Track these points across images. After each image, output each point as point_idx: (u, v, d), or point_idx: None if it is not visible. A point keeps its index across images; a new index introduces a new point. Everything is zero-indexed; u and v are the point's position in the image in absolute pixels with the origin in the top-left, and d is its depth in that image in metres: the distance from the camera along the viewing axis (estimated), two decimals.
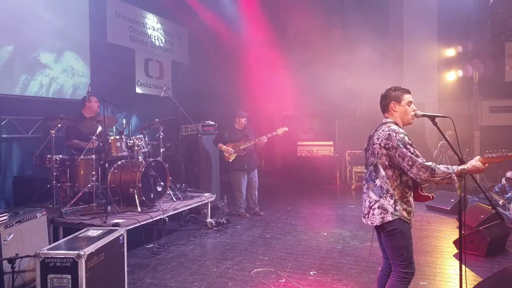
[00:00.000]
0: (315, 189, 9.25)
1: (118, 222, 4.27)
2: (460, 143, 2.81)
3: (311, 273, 4.18)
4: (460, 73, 10.16)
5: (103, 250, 3.11)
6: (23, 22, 5.86)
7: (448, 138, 2.96)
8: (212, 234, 5.67)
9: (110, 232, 3.37)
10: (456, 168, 2.56)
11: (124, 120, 7.16)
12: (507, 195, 6.80)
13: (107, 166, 5.07)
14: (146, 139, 5.68)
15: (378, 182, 2.71)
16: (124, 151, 5.21)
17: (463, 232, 2.80)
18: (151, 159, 5.39)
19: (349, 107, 10.27)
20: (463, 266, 2.74)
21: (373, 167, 2.76)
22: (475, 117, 10.06)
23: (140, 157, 5.38)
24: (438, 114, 2.83)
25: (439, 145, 8.67)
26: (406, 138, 2.64)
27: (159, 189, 5.37)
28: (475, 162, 2.58)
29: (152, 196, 5.16)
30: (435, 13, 10.40)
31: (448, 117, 2.84)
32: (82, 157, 4.92)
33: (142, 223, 4.49)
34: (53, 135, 4.79)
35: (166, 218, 5.77)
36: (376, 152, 2.73)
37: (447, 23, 10.19)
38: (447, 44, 10.27)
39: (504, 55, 9.94)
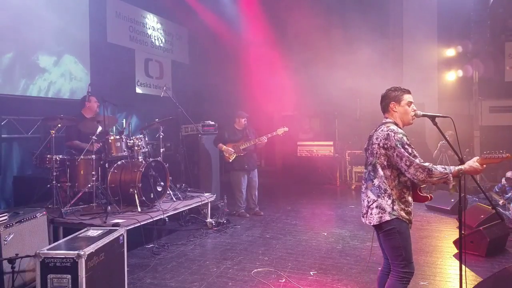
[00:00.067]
0: (315, 189, 9.25)
1: (118, 222, 4.27)
2: (460, 143, 2.81)
3: (311, 273, 4.18)
4: (460, 73, 10.16)
5: (103, 250, 3.11)
6: (23, 22, 5.86)
7: (448, 138, 2.96)
8: (212, 234, 5.67)
9: (110, 232, 3.37)
10: (454, 168, 2.57)
11: (124, 120, 7.18)
12: (507, 195, 6.80)
13: (107, 166, 5.07)
14: (146, 139, 5.69)
15: (376, 181, 2.72)
16: (124, 151, 5.21)
17: (463, 232, 2.81)
18: (151, 159, 5.39)
19: (349, 107, 10.27)
20: (463, 266, 2.74)
21: (371, 167, 2.77)
22: (475, 117, 10.06)
23: (140, 157, 5.38)
24: (438, 114, 2.83)
25: (439, 145, 8.67)
26: (404, 138, 2.64)
27: (159, 189, 5.37)
28: (472, 162, 2.59)
29: (152, 196, 5.16)
30: (435, 13, 10.40)
31: (448, 117, 2.85)
32: (82, 157, 4.92)
33: (142, 223, 4.49)
34: (53, 135, 4.79)
35: (166, 218, 5.77)
36: (375, 152, 2.74)
37: (447, 23, 10.19)
38: (447, 44, 10.27)
39: (504, 55, 9.94)
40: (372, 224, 2.74)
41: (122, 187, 5.05)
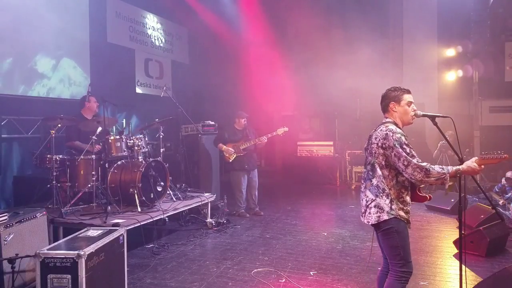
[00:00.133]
0: (315, 189, 9.25)
1: (118, 222, 4.27)
2: (460, 143, 2.82)
3: (311, 273, 4.18)
4: (460, 73, 10.16)
5: (103, 250, 3.11)
6: (23, 22, 5.85)
7: (448, 138, 2.97)
8: (212, 234, 5.67)
9: (110, 232, 3.37)
10: (451, 168, 2.57)
11: (124, 120, 7.18)
12: (507, 195, 6.80)
13: (107, 166, 5.07)
14: (146, 139, 5.68)
15: (374, 181, 2.73)
16: (124, 151, 5.20)
17: (463, 232, 2.81)
18: (151, 159, 5.39)
19: (349, 107, 10.27)
20: (463, 266, 2.75)
21: (370, 166, 2.78)
22: (475, 117, 10.06)
23: (140, 157, 5.38)
24: (438, 114, 2.84)
25: (439, 145, 8.67)
26: (403, 138, 2.65)
27: (159, 189, 5.37)
28: (470, 163, 2.60)
29: (152, 196, 5.16)
30: (435, 13, 10.40)
31: (448, 117, 2.85)
32: (82, 157, 4.92)
33: (142, 223, 4.49)
34: (53, 135, 4.79)
35: (166, 218, 5.77)
36: (373, 152, 2.75)
37: (447, 23, 10.19)
38: (447, 44, 10.27)
39: (504, 55, 9.94)
40: (370, 223, 2.75)
41: (122, 187, 5.05)
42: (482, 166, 2.61)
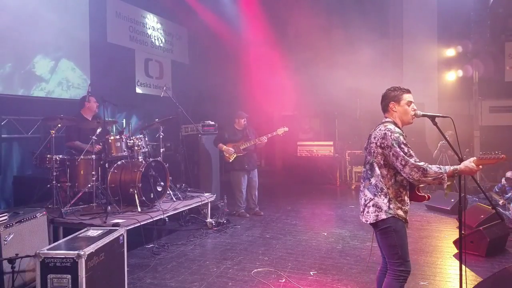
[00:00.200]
0: (315, 189, 9.24)
1: (118, 222, 4.27)
2: (460, 143, 2.82)
3: (311, 273, 4.18)
4: (460, 73, 10.16)
5: (103, 250, 3.11)
6: (23, 22, 5.85)
7: (448, 138, 2.97)
8: (212, 234, 5.67)
9: (110, 232, 3.37)
10: (449, 168, 2.57)
11: (124, 120, 7.18)
12: (507, 195, 6.80)
13: (107, 166, 5.07)
14: (146, 139, 5.68)
15: (373, 180, 2.75)
16: (124, 151, 5.20)
17: (463, 232, 2.81)
18: (151, 159, 5.39)
19: (349, 107, 10.27)
20: (463, 266, 2.75)
21: (369, 166, 2.80)
22: (475, 117, 10.06)
23: (140, 157, 5.38)
24: (438, 114, 2.84)
25: (439, 145, 8.67)
26: (401, 137, 2.66)
27: (159, 189, 5.37)
28: (468, 163, 2.60)
29: (152, 196, 5.16)
30: (435, 13, 10.40)
31: (448, 117, 2.85)
32: (82, 157, 4.92)
33: (142, 223, 4.49)
34: (53, 135, 4.79)
35: (166, 218, 5.77)
36: (372, 151, 2.77)
37: (447, 23, 10.19)
38: (447, 44, 10.27)
39: (504, 55, 9.94)
40: (368, 222, 2.77)
41: (122, 187, 5.05)
42: (480, 166, 2.62)
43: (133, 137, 5.43)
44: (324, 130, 10.96)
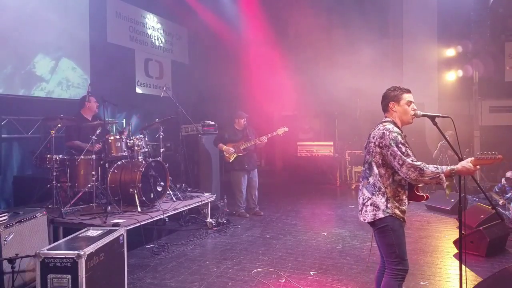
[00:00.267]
0: (315, 189, 9.24)
1: (118, 222, 4.27)
2: (460, 143, 2.82)
3: (311, 273, 4.18)
4: (460, 73, 10.15)
5: (103, 250, 3.11)
6: (23, 22, 5.85)
7: (448, 138, 2.97)
8: (212, 234, 5.67)
9: (110, 232, 3.37)
10: (446, 168, 2.58)
11: (124, 120, 7.18)
12: (507, 195, 6.80)
13: (107, 166, 5.07)
14: (146, 139, 5.68)
15: (371, 179, 2.76)
16: (124, 151, 5.21)
17: (463, 232, 2.81)
18: (151, 159, 5.39)
19: (349, 107, 10.27)
20: (463, 266, 2.75)
21: (367, 165, 2.82)
22: (475, 117, 10.05)
23: (140, 157, 5.38)
24: (438, 114, 2.84)
25: (439, 145, 8.67)
26: (399, 137, 2.67)
27: (159, 189, 5.37)
28: (465, 163, 2.61)
29: (152, 196, 5.16)
30: (435, 13, 10.40)
31: (448, 117, 2.86)
32: (82, 157, 4.92)
33: (142, 223, 4.49)
34: (53, 135, 4.78)
35: (166, 218, 5.77)
36: (371, 151, 2.78)
37: (447, 23, 10.18)
38: (447, 44, 10.27)
39: (504, 55, 9.94)
40: (366, 221, 2.78)
41: (122, 187, 5.05)
42: (478, 167, 2.62)
43: (133, 137, 5.44)
44: (324, 130, 10.96)
